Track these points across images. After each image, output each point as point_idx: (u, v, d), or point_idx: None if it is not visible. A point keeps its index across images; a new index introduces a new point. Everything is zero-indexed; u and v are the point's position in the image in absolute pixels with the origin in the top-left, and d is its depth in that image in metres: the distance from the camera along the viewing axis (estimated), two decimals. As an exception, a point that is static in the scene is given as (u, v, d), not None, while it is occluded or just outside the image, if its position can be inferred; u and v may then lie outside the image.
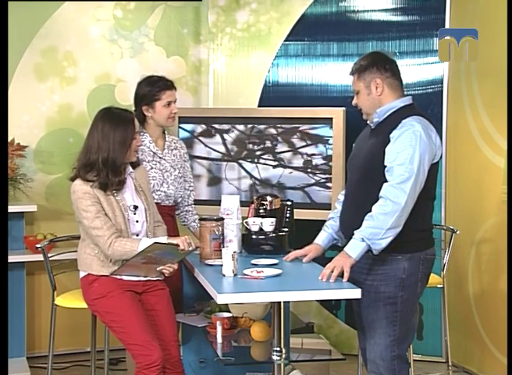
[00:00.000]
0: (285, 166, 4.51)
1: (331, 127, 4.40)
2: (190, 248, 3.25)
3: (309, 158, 4.47)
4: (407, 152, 2.96)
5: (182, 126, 4.59)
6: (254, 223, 3.57)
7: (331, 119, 4.40)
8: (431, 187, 3.11)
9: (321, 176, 4.46)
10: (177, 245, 3.20)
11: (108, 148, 3.28)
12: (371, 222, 2.95)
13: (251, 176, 4.56)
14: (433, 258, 3.19)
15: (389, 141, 3.03)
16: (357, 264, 3.01)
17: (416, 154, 2.96)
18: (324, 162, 4.45)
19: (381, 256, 3.04)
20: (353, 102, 3.21)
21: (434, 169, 3.09)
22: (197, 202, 4.09)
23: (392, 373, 3.09)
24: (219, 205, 3.63)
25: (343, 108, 4.39)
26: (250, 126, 4.54)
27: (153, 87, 3.76)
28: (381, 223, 2.93)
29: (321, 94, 4.83)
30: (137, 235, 3.35)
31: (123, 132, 3.30)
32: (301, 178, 4.50)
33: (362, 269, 3.10)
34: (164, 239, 3.30)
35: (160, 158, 3.79)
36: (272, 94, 4.91)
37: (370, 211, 2.98)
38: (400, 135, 3.00)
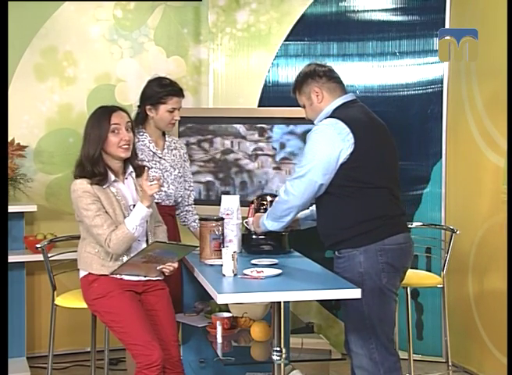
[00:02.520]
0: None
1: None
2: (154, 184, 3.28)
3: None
4: (302, 155, 3.18)
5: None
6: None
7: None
8: (363, 178, 3.10)
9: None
10: (175, 244, 3.19)
11: (86, 144, 3.32)
12: (272, 207, 3.34)
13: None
14: (398, 248, 3.15)
15: None
16: (334, 263, 3.21)
17: (306, 157, 3.13)
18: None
19: (341, 253, 3.16)
20: (306, 117, 3.36)
21: (358, 161, 3.08)
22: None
23: (375, 365, 3.13)
24: (219, 205, 3.63)
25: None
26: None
27: (162, 90, 3.74)
28: (274, 210, 3.30)
29: (321, 94, 4.84)
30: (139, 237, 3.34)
31: (97, 127, 3.31)
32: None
33: (336, 267, 3.20)
34: (140, 210, 3.24)
35: (160, 158, 3.79)
36: (272, 94, 4.91)
37: (319, 217, 3.26)
38: (307, 140, 3.19)
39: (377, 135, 3.20)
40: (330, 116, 3.16)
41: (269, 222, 3.33)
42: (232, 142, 4.55)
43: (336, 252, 3.20)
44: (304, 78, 3.28)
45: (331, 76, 3.27)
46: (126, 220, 3.24)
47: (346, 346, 3.31)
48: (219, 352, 3.30)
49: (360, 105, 3.26)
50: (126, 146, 3.34)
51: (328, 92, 3.23)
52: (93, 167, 3.28)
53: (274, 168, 4.53)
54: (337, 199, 3.14)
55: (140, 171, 3.43)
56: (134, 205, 3.34)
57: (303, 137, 4.46)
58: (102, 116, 3.34)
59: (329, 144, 3.07)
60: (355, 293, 2.85)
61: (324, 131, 3.11)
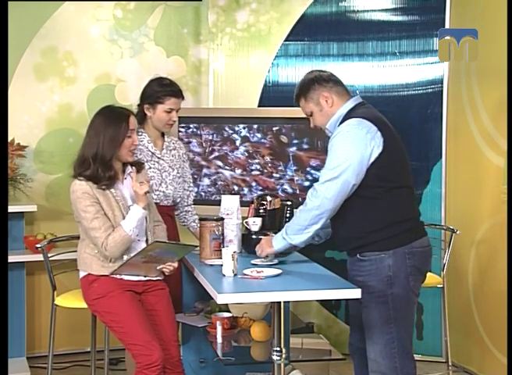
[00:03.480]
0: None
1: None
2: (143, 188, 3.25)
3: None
4: (331, 157, 3.05)
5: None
6: (254, 223, 3.57)
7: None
8: (392, 177, 3.08)
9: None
10: (174, 244, 3.19)
11: (97, 143, 3.29)
12: (293, 219, 3.16)
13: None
14: (423, 251, 3.14)
15: None
16: (351, 267, 3.15)
17: (339, 158, 3.02)
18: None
19: (365, 256, 3.09)
20: (312, 126, 3.28)
21: (387, 159, 3.05)
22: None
23: (394, 370, 3.09)
24: (219, 205, 3.63)
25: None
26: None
27: (161, 90, 3.74)
28: (299, 220, 3.09)
29: (321, 94, 4.84)
30: (136, 235, 3.34)
31: (114, 129, 3.30)
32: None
33: (355, 270, 3.13)
34: (136, 212, 3.27)
35: (158, 158, 3.79)
36: (272, 94, 4.90)
37: (340, 221, 3.12)
38: (330, 142, 3.10)
39: (395, 135, 3.17)
40: (348, 117, 3.10)
41: (291, 236, 3.12)
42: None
43: (358, 255, 3.11)
44: (309, 84, 3.22)
45: (336, 80, 3.24)
46: (122, 222, 3.24)
47: (352, 348, 3.30)
48: (219, 352, 3.30)
49: (370, 107, 3.23)
50: (135, 150, 3.40)
51: (337, 96, 3.18)
52: (104, 171, 3.27)
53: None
54: (365, 201, 3.07)
55: (139, 167, 3.45)
56: (134, 206, 3.35)
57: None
58: (120, 119, 3.33)
59: (361, 144, 3.01)
60: (355, 293, 2.85)
61: (352, 131, 3.04)
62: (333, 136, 3.09)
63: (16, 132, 4.62)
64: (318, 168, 4.41)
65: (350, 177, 3.00)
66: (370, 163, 3.02)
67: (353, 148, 3.01)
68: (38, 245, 3.77)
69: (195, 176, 4.50)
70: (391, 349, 3.08)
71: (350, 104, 3.18)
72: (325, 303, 4.93)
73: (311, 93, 3.20)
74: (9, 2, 3.94)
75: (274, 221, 3.64)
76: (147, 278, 3.38)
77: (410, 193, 3.17)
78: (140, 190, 3.27)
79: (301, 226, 3.08)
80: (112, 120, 3.32)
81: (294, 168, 4.49)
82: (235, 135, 4.55)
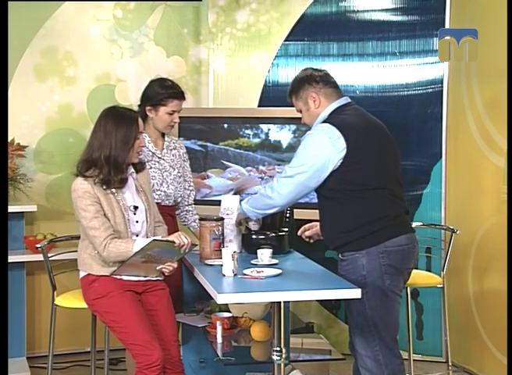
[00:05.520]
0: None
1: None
2: (186, 241, 3.21)
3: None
4: (295, 156, 3.19)
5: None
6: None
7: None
8: (359, 181, 3.12)
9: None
10: (173, 242, 3.18)
11: (110, 145, 3.27)
12: (255, 197, 3.36)
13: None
14: (400, 249, 3.15)
15: None
16: (338, 265, 3.21)
17: (298, 160, 3.15)
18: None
19: (344, 255, 3.16)
20: (302, 121, 3.37)
21: (353, 164, 3.09)
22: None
23: (380, 368, 3.14)
24: (219, 205, 3.63)
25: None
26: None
27: (163, 92, 3.73)
28: (256, 202, 3.33)
29: (321, 94, 4.84)
30: (137, 235, 3.34)
31: (126, 131, 3.29)
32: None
33: (340, 269, 3.20)
34: (159, 237, 3.29)
35: (159, 158, 3.79)
36: (272, 94, 4.90)
37: (321, 220, 3.25)
38: (301, 142, 3.22)
39: (373, 136, 3.19)
40: (325, 121, 3.17)
41: (249, 208, 3.36)
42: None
43: (340, 255, 3.20)
44: (300, 83, 3.29)
45: (327, 81, 3.28)
46: (136, 242, 3.21)
47: (351, 346, 3.32)
48: (219, 352, 3.30)
49: (355, 108, 3.26)
50: (140, 152, 3.40)
51: (324, 97, 3.24)
52: (116, 174, 3.26)
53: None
54: (337, 203, 3.15)
55: (140, 167, 3.45)
56: (134, 206, 3.35)
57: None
58: (130, 121, 3.32)
59: (319, 149, 3.10)
60: (355, 293, 2.85)
61: (315, 136, 3.14)
62: (302, 137, 3.20)
63: (15, 132, 4.62)
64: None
65: (305, 180, 3.11)
66: (334, 168, 3.09)
67: (313, 153, 3.11)
68: (38, 245, 3.77)
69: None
70: (373, 347, 3.14)
71: (333, 106, 3.23)
72: (325, 303, 4.93)
73: (301, 92, 3.28)
74: (9, 2, 3.93)
75: (274, 221, 3.64)
76: (146, 278, 3.37)
77: (386, 194, 3.17)
78: (176, 239, 3.21)
79: (256, 207, 3.32)
80: (122, 122, 3.30)
81: None
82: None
